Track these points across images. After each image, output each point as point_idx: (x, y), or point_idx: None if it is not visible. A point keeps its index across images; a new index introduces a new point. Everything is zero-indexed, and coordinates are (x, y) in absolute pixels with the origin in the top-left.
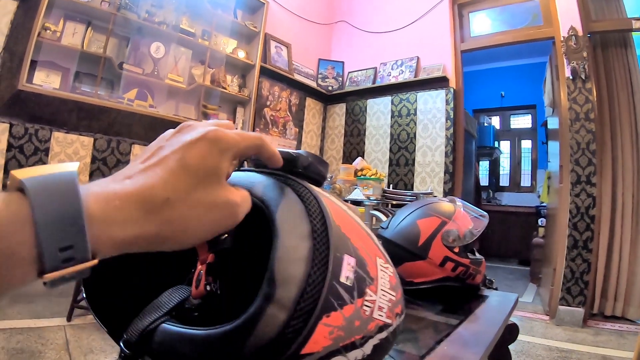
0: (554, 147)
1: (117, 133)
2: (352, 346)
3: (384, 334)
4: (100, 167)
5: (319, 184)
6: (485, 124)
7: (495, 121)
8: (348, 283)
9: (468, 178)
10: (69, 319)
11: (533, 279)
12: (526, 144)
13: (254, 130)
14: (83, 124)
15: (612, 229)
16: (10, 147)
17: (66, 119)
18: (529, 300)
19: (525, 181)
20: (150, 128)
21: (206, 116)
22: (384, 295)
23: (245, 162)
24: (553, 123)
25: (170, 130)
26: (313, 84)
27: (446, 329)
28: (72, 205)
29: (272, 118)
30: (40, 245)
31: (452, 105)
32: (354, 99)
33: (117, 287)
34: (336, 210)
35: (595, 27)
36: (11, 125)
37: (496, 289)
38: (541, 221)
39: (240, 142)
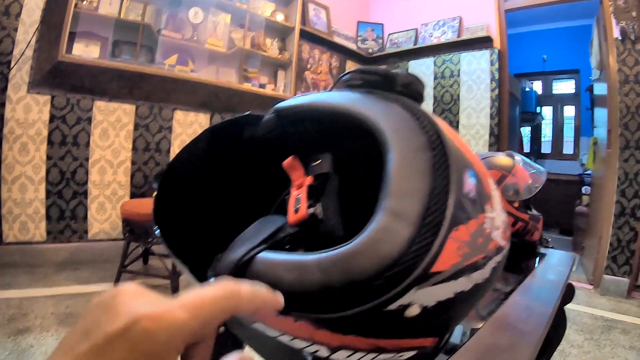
0: (600, 113)
1: (159, 99)
2: (475, 266)
3: (499, 257)
4: (143, 133)
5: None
6: (527, 89)
7: (537, 86)
8: (471, 196)
9: (512, 143)
10: (116, 283)
11: (575, 248)
12: (569, 110)
13: (295, 94)
14: (124, 91)
15: None
16: (52, 118)
17: (107, 87)
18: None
19: (568, 148)
20: (192, 93)
21: (247, 80)
22: (499, 214)
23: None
24: (600, 89)
25: (106, 295)
26: (353, 47)
27: (511, 283)
28: None
29: (313, 81)
30: None
31: (496, 66)
32: (394, 60)
33: (191, 222)
34: (444, 124)
35: None
36: (53, 97)
37: (552, 247)
38: (585, 189)
39: (191, 320)
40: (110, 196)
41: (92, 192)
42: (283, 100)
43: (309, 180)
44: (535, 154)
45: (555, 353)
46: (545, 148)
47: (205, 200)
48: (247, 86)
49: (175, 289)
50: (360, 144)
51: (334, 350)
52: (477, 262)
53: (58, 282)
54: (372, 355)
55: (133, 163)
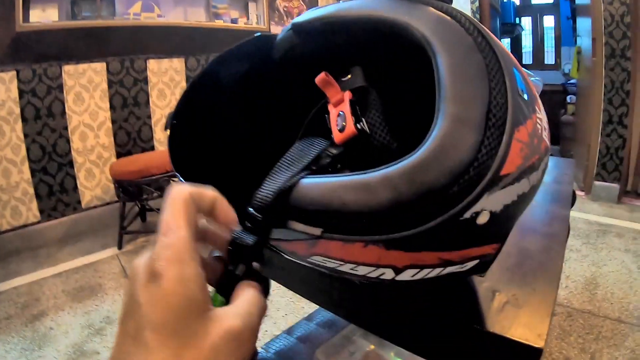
0: (583, 22)
1: (129, 51)
2: (533, 167)
3: (546, 159)
4: (119, 90)
5: None
6: (505, 0)
7: None
8: (525, 96)
9: None
10: (119, 247)
11: (564, 156)
12: (548, 20)
13: (269, 25)
14: (91, 50)
15: None
16: (22, 93)
17: (73, 49)
18: None
19: (549, 58)
20: (162, 39)
21: (218, 16)
22: (544, 114)
23: None
24: None
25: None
26: None
27: None
28: None
29: (285, 9)
30: None
31: None
32: None
33: (214, 163)
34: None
35: None
36: (18, 72)
37: (551, 154)
38: (570, 98)
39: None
40: (96, 160)
41: (77, 161)
42: (258, 32)
43: (348, 95)
44: None
45: None
46: (526, 59)
47: (223, 137)
48: (218, 23)
49: None
50: (395, 52)
51: (399, 271)
52: (534, 163)
53: (62, 259)
54: (438, 270)
55: (113, 122)
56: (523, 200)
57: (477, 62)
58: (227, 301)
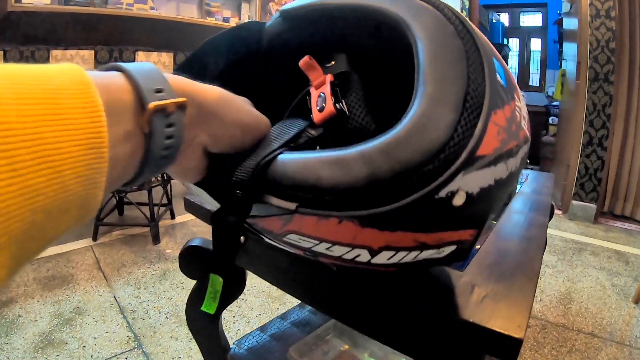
0: (569, 47)
1: (119, 41)
2: (510, 153)
3: (525, 148)
4: None
5: None
6: (494, 21)
7: (504, 18)
8: (503, 83)
9: None
10: (94, 238)
11: None
12: (535, 43)
13: None
14: (81, 37)
15: (626, 128)
16: None
17: (63, 34)
18: None
19: (534, 80)
20: (152, 32)
21: (210, 14)
22: (523, 104)
23: None
24: (570, 23)
25: None
26: None
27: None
28: (156, 70)
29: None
30: (138, 87)
31: None
32: None
33: None
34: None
35: None
36: (5, 52)
37: (531, 168)
38: (552, 119)
39: None
40: None
41: None
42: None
43: (329, 77)
44: None
45: None
46: None
47: None
48: (210, 21)
49: (155, 236)
50: (378, 40)
51: (375, 253)
52: (512, 149)
53: None
54: (414, 254)
55: None
56: (501, 185)
57: (456, 47)
58: (224, 280)
